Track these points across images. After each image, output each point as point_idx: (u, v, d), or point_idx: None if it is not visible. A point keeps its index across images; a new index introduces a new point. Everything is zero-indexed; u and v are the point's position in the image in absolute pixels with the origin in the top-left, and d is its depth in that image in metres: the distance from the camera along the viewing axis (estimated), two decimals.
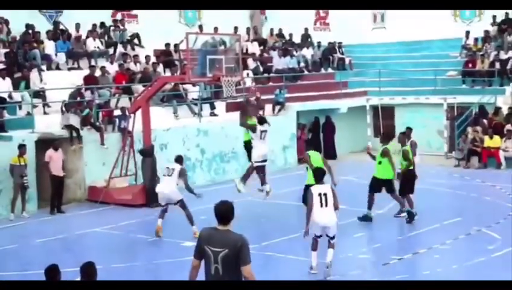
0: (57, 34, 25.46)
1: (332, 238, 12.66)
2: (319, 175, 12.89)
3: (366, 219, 16.99)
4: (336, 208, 12.51)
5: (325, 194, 12.40)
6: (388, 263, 13.52)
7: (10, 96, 21.25)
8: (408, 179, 17.08)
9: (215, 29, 28.67)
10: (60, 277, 8.41)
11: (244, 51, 29.31)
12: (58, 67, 24.69)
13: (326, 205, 12.35)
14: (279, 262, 13.95)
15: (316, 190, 12.50)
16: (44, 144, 19.54)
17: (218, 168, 23.33)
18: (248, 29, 32.50)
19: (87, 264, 8.22)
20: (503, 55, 29.67)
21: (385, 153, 16.83)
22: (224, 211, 7.75)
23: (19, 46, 23.48)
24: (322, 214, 12.35)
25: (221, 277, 7.47)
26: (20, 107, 21.38)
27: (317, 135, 29.02)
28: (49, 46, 24.71)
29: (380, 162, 16.97)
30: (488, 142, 25.27)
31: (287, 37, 33.78)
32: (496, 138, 25.28)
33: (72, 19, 26.54)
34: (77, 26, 26.13)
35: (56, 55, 24.76)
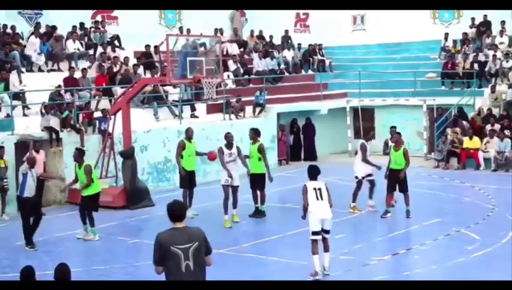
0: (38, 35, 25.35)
1: (328, 232, 12.66)
2: (312, 173, 12.89)
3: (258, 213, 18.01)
4: (330, 205, 12.60)
5: (319, 189, 12.55)
6: (368, 263, 13.58)
7: None
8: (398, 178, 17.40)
9: (188, 30, 28.80)
10: (35, 278, 8.39)
11: (224, 52, 29.32)
12: (40, 69, 24.57)
13: (321, 199, 12.51)
14: (260, 264, 13.96)
15: (310, 185, 12.63)
16: (24, 146, 19.44)
17: (199, 170, 23.24)
18: (222, 30, 32.28)
19: (60, 266, 8.19)
20: (481, 57, 29.91)
21: (262, 150, 17.97)
22: (180, 209, 7.90)
23: None
24: (319, 207, 12.47)
25: (193, 271, 7.69)
26: None
27: (296, 137, 29.09)
28: (31, 47, 24.55)
29: (259, 159, 17.86)
30: (467, 143, 25.44)
31: (268, 39, 33.82)
32: (476, 139, 25.46)
33: (51, 20, 26.44)
34: (47, 27, 26.06)
35: (39, 54, 24.64)
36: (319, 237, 12.54)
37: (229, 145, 17.50)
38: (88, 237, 16.14)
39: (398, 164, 17.29)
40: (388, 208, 17.44)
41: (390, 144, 18.26)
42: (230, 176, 17.13)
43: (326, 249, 12.69)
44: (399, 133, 18.09)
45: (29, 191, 15.33)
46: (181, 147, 18.32)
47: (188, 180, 18.31)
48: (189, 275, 7.67)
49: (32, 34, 25.18)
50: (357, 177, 18.11)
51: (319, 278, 12.54)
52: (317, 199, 12.50)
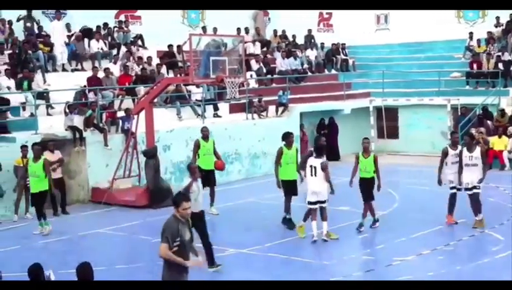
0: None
1: (324, 202, 15.01)
2: (317, 149, 15.29)
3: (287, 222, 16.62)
4: (326, 180, 14.91)
5: (314, 167, 14.92)
6: (391, 264, 13.49)
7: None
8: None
9: (215, 29, 28.83)
10: (44, 276, 8.39)
11: (247, 52, 29.28)
12: (64, 69, 24.71)
13: (315, 175, 14.89)
14: (282, 263, 13.93)
15: (309, 162, 15.07)
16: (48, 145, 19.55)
17: None
18: (247, 29, 32.27)
19: (82, 265, 8.18)
20: (507, 57, 29.63)
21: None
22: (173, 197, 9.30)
23: (21, 47, 23.46)
24: (312, 182, 14.98)
25: None
26: (23, 108, 21.38)
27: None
28: (58, 48, 24.74)
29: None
30: (496, 142, 25.18)
31: (291, 39, 33.75)
32: (504, 138, 25.26)
33: (75, 20, 26.57)
34: (67, 26, 26.22)
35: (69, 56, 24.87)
36: (314, 207, 15.03)
37: (320, 153, 15.44)
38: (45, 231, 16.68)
39: (367, 172, 16.07)
40: (363, 220, 16.28)
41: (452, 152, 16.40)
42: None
43: (323, 218, 15.07)
44: (368, 138, 17.06)
45: (194, 204, 13.00)
46: (196, 146, 18.45)
47: (202, 178, 18.32)
48: None
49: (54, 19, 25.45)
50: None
51: (316, 239, 14.94)
52: (311, 175, 14.95)
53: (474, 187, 16.07)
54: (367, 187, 16.11)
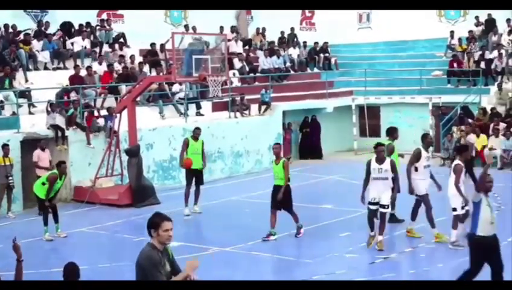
0: (42, 33, 25.36)
1: (383, 206, 14.17)
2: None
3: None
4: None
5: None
6: (374, 262, 13.55)
7: None
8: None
9: (194, 28, 28.82)
10: None
11: (230, 50, 29.26)
12: (46, 68, 24.58)
13: None
14: (265, 262, 13.96)
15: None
16: (30, 144, 19.48)
17: None
18: (231, 28, 32.33)
19: (69, 265, 8.15)
20: (487, 55, 29.81)
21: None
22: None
23: (5, 45, 23.33)
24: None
25: None
26: (3, 108, 21.26)
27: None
28: (36, 46, 24.55)
29: None
30: (475, 141, 25.35)
31: (274, 37, 33.74)
32: (483, 136, 25.39)
33: (57, 18, 26.46)
34: (47, 24, 26.14)
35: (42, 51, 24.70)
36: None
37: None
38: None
39: (280, 179, 15.05)
40: (272, 229, 15.32)
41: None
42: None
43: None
44: (279, 144, 15.86)
45: (485, 227, 10.58)
46: (185, 144, 18.43)
47: (191, 177, 18.34)
48: None
49: (36, 33, 25.26)
50: None
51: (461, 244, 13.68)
52: None
53: (382, 206, 14.23)
54: (277, 195, 15.06)
